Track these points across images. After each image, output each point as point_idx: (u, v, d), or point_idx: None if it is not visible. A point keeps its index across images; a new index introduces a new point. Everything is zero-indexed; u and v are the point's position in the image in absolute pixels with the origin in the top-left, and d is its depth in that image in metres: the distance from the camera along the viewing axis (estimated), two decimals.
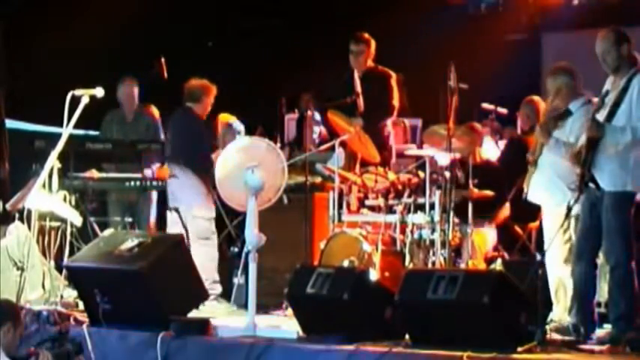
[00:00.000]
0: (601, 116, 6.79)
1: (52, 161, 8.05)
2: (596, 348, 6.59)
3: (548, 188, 7.32)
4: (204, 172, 8.90)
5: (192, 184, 9.05)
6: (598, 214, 6.83)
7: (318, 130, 10.60)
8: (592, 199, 6.85)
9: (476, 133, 8.86)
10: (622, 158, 6.75)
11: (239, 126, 9.75)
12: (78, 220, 8.60)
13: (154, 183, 9.39)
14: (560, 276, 7.29)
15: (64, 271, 8.15)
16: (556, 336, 6.90)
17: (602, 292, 7.19)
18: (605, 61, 6.86)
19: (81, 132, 9.16)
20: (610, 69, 6.88)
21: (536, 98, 8.80)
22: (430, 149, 8.70)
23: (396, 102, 9.53)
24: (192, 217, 8.95)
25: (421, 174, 8.67)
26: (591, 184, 6.77)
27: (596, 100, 7.06)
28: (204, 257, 8.63)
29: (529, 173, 7.42)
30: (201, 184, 9.01)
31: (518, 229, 9.15)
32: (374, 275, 7.34)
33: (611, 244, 6.77)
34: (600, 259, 7.00)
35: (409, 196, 8.53)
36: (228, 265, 9.40)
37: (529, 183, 7.42)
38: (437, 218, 8.30)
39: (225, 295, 8.99)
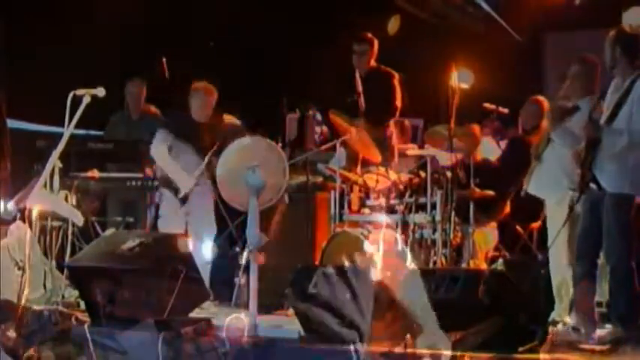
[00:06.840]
0: (603, 117, 6.78)
1: (54, 161, 8.04)
2: (597, 348, 6.59)
3: (551, 183, 7.33)
4: None
5: None
6: (598, 214, 6.82)
7: (320, 129, 10.59)
8: (593, 199, 6.84)
9: (473, 135, 8.85)
10: (621, 160, 6.74)
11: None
12: (79, 220, 8.60)
13: (156, 183, 9.39)
14: (563, 275, 7.28)
15: (66, 271, 8.15)
16: (557, 336, 6.90)
17: (603, 292, 7.18)
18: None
19: (82, 131, 9.17)
20: (607, 68, 6.88)
21: (540, 98, 8.78)
22: (431, 149, 8.70)
23: (399, 102, 9.52)
24: None
25: (422, 174, 8.67)
26: (592, 185, 6.77)
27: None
28: None
29: (531, 167, 7.42)
30: None
31: (519, 228, 9.15)
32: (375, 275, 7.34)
33: (612, 245, 6.76)
34: (601, 259, 7.00)
35: (410, 195, 8.54)
36: (229, 265, 9.40)
37: (530, 177, 7.41)
38: (438, 218, 8.30)
39: (227, 295, 9.00)
